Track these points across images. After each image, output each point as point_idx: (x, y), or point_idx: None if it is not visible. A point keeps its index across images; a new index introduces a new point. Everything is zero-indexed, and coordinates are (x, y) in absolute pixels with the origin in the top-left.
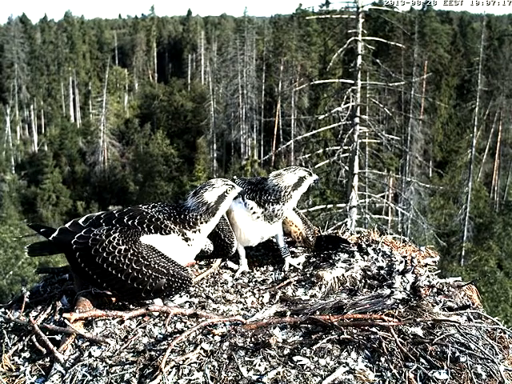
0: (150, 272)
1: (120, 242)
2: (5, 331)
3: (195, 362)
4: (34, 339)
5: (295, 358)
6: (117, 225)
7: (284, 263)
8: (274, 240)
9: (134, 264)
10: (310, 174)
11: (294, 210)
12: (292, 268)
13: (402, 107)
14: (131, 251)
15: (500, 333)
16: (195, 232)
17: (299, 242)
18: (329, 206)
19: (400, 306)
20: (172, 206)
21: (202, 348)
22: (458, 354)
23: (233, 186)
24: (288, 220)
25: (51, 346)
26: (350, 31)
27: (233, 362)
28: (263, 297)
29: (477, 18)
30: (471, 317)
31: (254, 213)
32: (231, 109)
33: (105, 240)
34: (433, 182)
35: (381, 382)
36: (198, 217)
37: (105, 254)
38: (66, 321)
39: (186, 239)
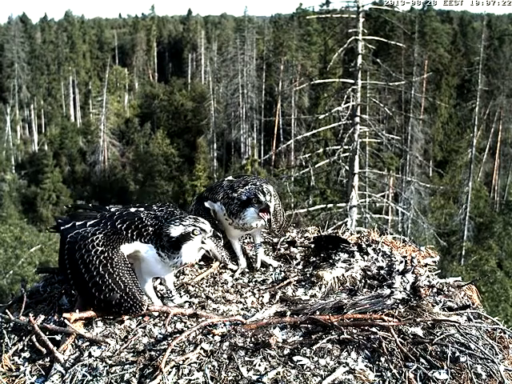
0: (110, 281)
1: (100, 244)
2: (5, 331)
3: (195, 362)
4: (34, 339)
5: (295, 358)
6: (107, 224)
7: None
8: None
9: (100, 268)
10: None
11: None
12: (270, 266)
13: (403, 107)
14: (105, 254)
15: (500, 333)
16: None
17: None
18: (329, 205)
19: (400, 306)
20: (166, 214)
21: (202, 348)
22: (457, 353)
23: (202, 230)
24: None
25: (51, 346)
26: (350, 31)
27: (233, 362)
28: (263, 297)
29: (477, 17)
30: (471, 317)
31: (227, 219)
32: (231, 108)
33: (89, 238)
34: (433, 181)
35: (381, 382)
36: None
37: (83, 251)
38: (65, 321)
39: (159, 255)
